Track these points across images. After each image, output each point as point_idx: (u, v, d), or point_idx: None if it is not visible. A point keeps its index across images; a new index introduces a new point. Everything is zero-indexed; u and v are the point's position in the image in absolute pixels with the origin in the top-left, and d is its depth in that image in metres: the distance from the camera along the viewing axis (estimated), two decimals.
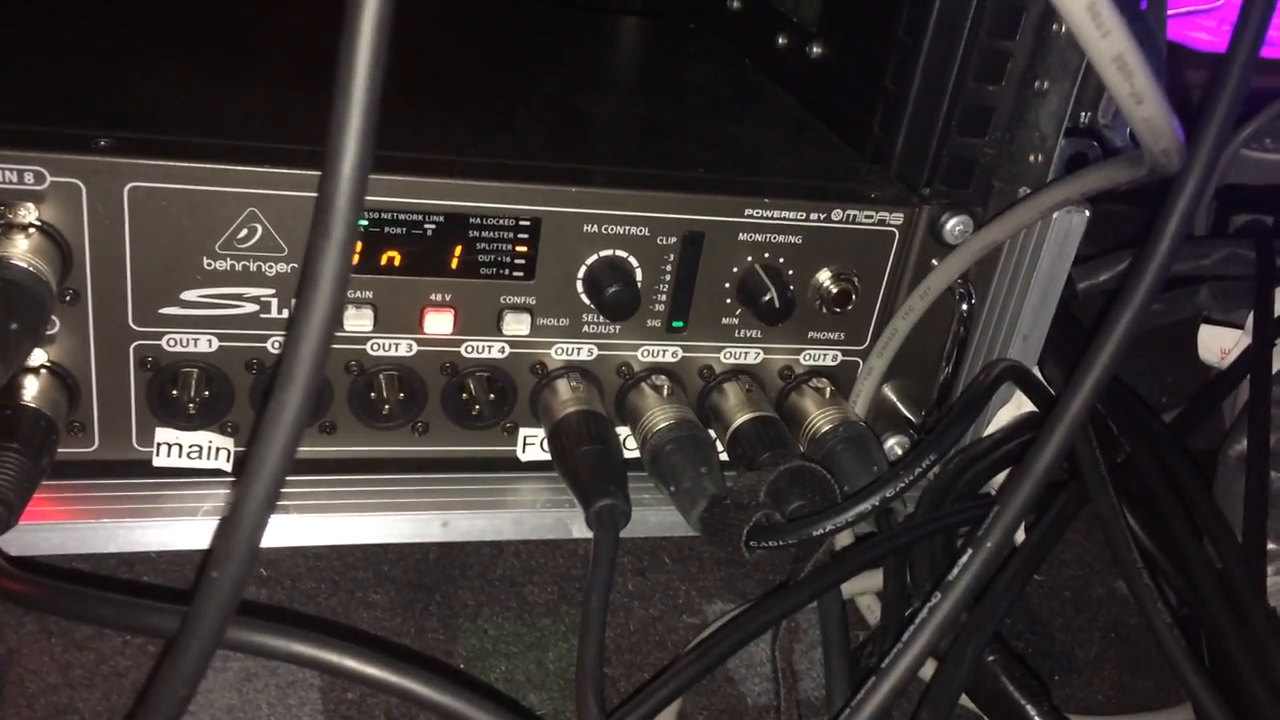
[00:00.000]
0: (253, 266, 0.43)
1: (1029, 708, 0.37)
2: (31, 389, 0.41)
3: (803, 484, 0.42)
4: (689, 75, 0.67)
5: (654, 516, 0.49)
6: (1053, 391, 0.50)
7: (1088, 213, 0.48)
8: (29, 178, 0.39)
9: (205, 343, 0.44)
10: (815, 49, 0.64)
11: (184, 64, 0.51)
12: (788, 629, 0.39)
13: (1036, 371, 0.51)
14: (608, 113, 0.57)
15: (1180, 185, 0.32)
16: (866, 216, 0.48)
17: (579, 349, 0.48)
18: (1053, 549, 0.44)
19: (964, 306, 0.50)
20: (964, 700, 0.41)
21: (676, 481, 0.44)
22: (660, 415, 0.47)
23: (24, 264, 0.38)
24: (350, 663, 0.29)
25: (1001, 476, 0.50)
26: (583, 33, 0.73)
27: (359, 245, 0.43)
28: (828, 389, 0.50)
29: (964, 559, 0.32)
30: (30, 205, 0.40)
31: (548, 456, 0.48)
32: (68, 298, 0.41)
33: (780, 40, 0.68)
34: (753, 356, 0.50)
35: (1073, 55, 0.46)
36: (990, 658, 0.38)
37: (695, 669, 0.36)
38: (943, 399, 0.51)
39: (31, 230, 0.39)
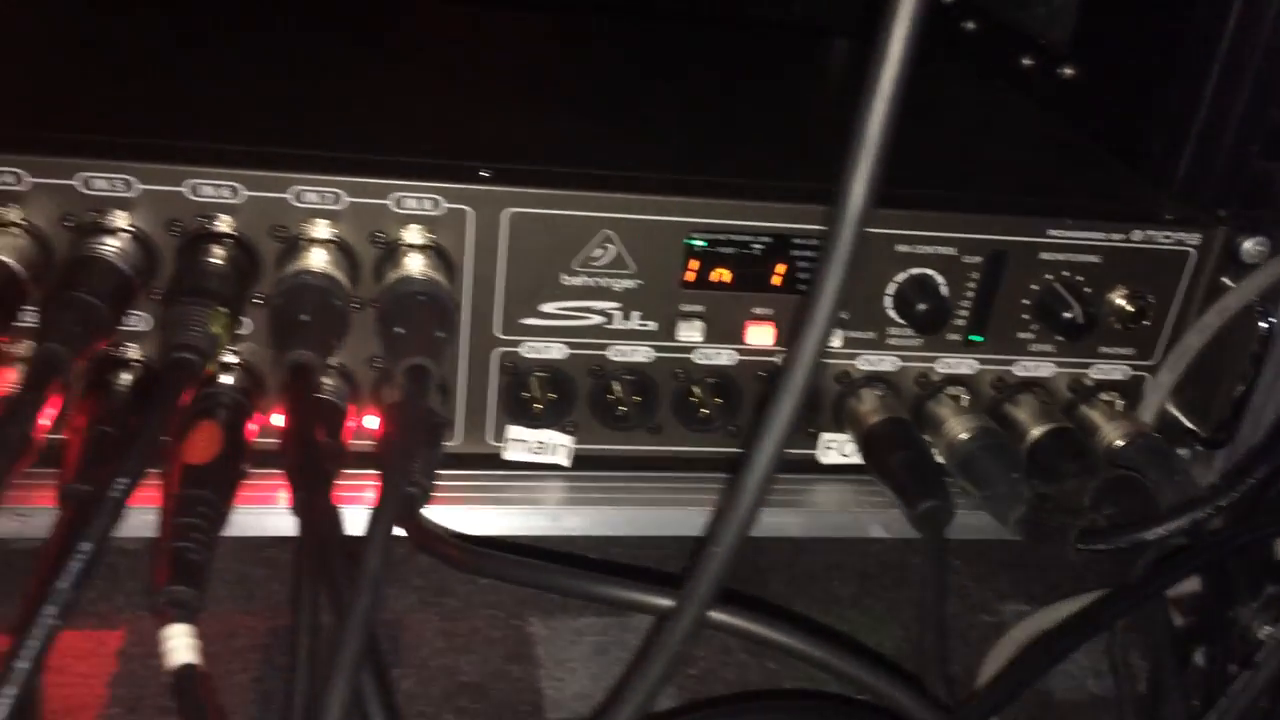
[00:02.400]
0: (603, 282, 0.48)
1: None
2: None
3: (1121, 492, 0.45)
4: (944, 97, 0.70)
5: None
6: None
7: None
8: (427, 204, 0.45)
9: (556, 350, 0.49)
10: (1067, 70, 0.66)
11: (526, 98, 0.57)
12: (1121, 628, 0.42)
13: None
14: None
15: None
16: (1165, 237, 0.50)
17: (883, 360, 0.51)
18: None
19: (1262, 325, 0.51)
20: None
21: (991, 486, 0.47)
22: (962, 424, 0.50)
23: (438, 278, 0.44)
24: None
25: None
26: (812, 60, 0.77)
27: (696, 264, 0.48)
28: (1118, 402, 0.52)
29: None
30: (427, 229, 0.45)
31: (846, 460, 0.52)
32: None
33: (1025, 61, 0.70)
34: (1045, 369, 0.52)
35: None
36: None
37: (1043, 662, 0.39)
38: (1236, 414, 0.52)
39: (430, 249, 0.45)
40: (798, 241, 0.48)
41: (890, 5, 0.25)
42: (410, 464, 0.40)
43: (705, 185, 0.48)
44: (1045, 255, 0.50)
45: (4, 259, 0.41)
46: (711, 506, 0.51)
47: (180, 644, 0.35)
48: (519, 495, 0.50)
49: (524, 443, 0.50)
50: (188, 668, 0.35)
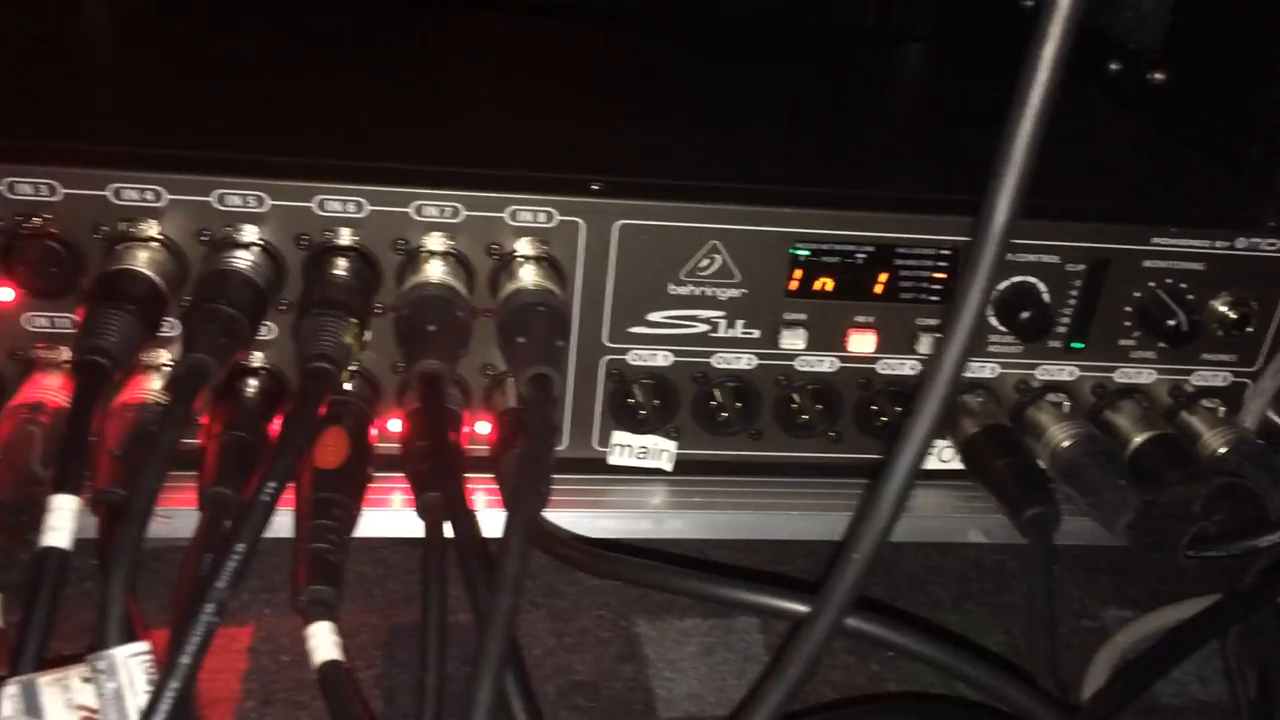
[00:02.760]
0: (709, 291, 0.49)
1: None
2: None
3: (1230, 499, 0.45)
4: None
5: None
6: None
7: None
8: (542, 217, 0.46)
9: (662, 357, 0.50)
10: (1157, 75, 0.66)
11: (629, 110, 0.58)
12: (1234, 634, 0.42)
13: None
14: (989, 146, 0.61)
15: None
16: (1269, 245, 0.50)
17: (983, 366, 0.52)
18: None
19: None
20: None
21: (1097, 493, 0.47)
22: (1065, 430, 0.50)
23: (553, 288, 0.45)
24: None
25: None
26: (893, 66, 0.77)
27: (799, 273, 0.49)
28: (1220, 409, 0.52)
29: None
30: (540, 240, 0.47)
31: (944, 466, 0.52)
32: None
33: (1113, 66, 0.70)
34: (1146, 376, 0.52)
35: None
36: None
37: (1162, 664, 0.39)
38: None
39: (544, 260, 0.46)
40: (900, 251, 0.49)
41: (1040, 24, 0.26)
42: (542, 469, 0.41)
43: (809, 196, 0.48)
44: (1149, 263, 0.50)
45: (146, 272, 0.43)
46: (811, 511, 0.52)
47: (324, 641, 0.37)
48: (623, 499, 0.51)
49: (629, 448, 0.51)
50: (333, 663, 0.36)
